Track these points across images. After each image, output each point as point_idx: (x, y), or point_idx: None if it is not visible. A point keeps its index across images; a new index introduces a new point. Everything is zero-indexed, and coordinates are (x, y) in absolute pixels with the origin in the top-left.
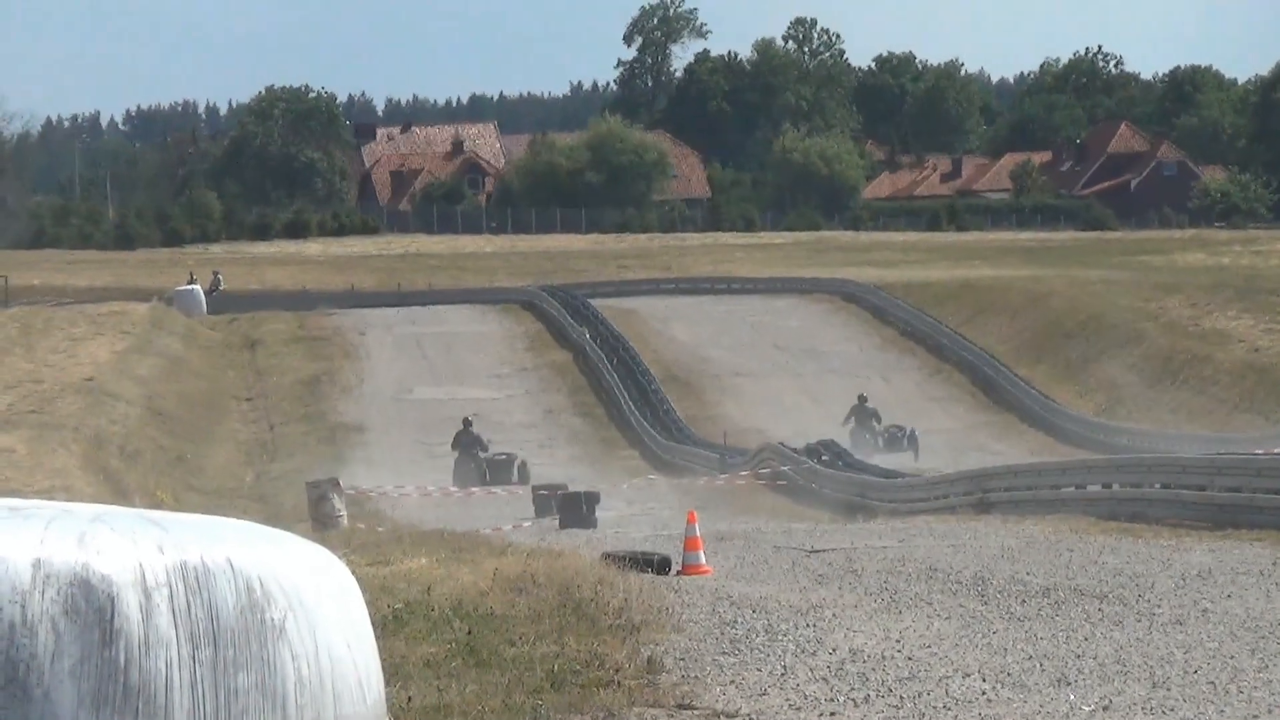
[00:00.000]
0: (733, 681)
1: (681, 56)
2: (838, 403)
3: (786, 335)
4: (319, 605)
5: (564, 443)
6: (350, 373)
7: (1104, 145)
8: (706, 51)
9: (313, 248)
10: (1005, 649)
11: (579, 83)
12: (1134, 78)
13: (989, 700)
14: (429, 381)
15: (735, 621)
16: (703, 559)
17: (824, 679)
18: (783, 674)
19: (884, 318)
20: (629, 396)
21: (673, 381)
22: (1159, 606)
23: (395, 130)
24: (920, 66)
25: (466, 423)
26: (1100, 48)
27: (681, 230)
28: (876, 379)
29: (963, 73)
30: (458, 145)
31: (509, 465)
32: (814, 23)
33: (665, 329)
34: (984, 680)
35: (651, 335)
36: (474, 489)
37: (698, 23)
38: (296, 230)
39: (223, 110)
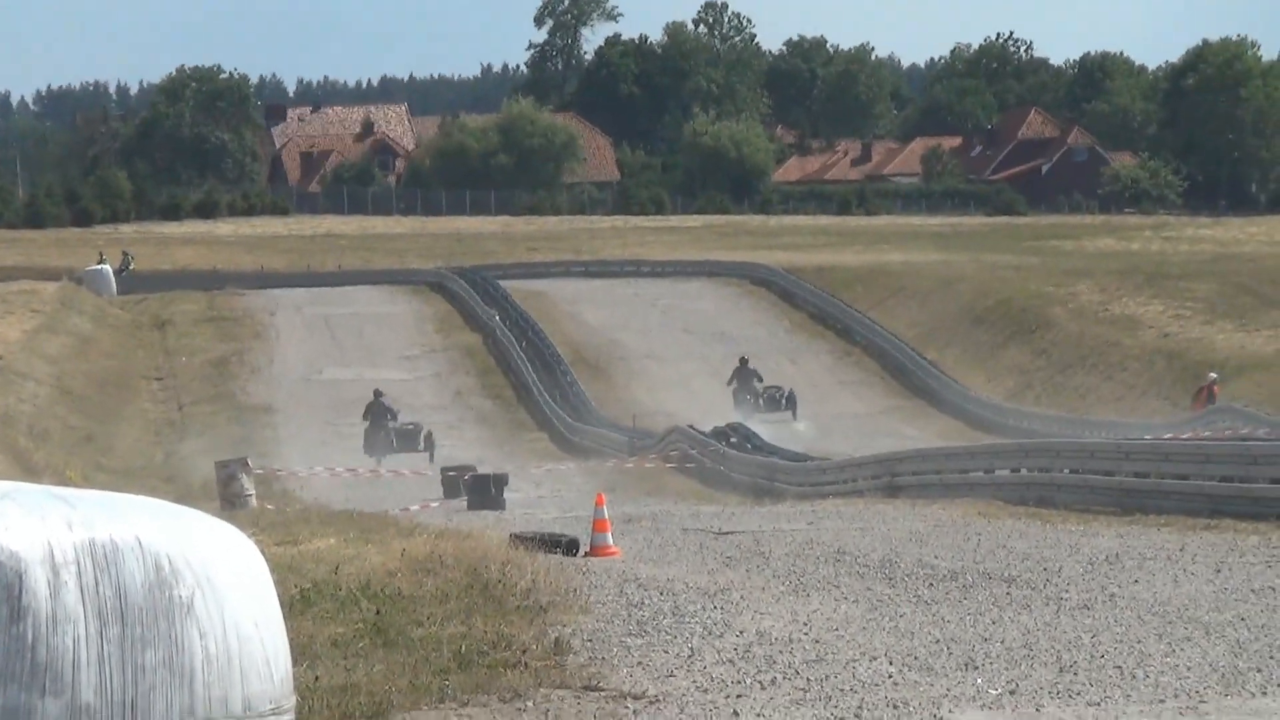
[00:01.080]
0: (640, 663)
1: (592, 39)
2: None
3: (696, 319)
4: (227, 584)
5: (473, 424)
6: (260, 353)
7: (1014, 131)
8: (617, 35)
9: (223, 228)
10: (912, 632)
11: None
12: (1044, 63)
13: (895, 684)
14: (338, 362)
15: (643, 603)
16: (610, 541)
17: (731, 661)
18: (690, 656)
19: (794, 302)
20: (538, 379)
21: (582, 364)
22: (1067, 591)
23: (306, 111)
24: (831, 51)
25: (377, 394)
26: (1011, 33)
27: (591, 213)
28: (786, 362)
29: (873, 57)
30: (368, 126)
31: (416, 434)
32: (725, 6)
33: (575, 311)
34: (891, 664)
35: (561, 318)
36: (383, 461)
37: (609, 5)
38: (207, 210)
39: (133, 90)
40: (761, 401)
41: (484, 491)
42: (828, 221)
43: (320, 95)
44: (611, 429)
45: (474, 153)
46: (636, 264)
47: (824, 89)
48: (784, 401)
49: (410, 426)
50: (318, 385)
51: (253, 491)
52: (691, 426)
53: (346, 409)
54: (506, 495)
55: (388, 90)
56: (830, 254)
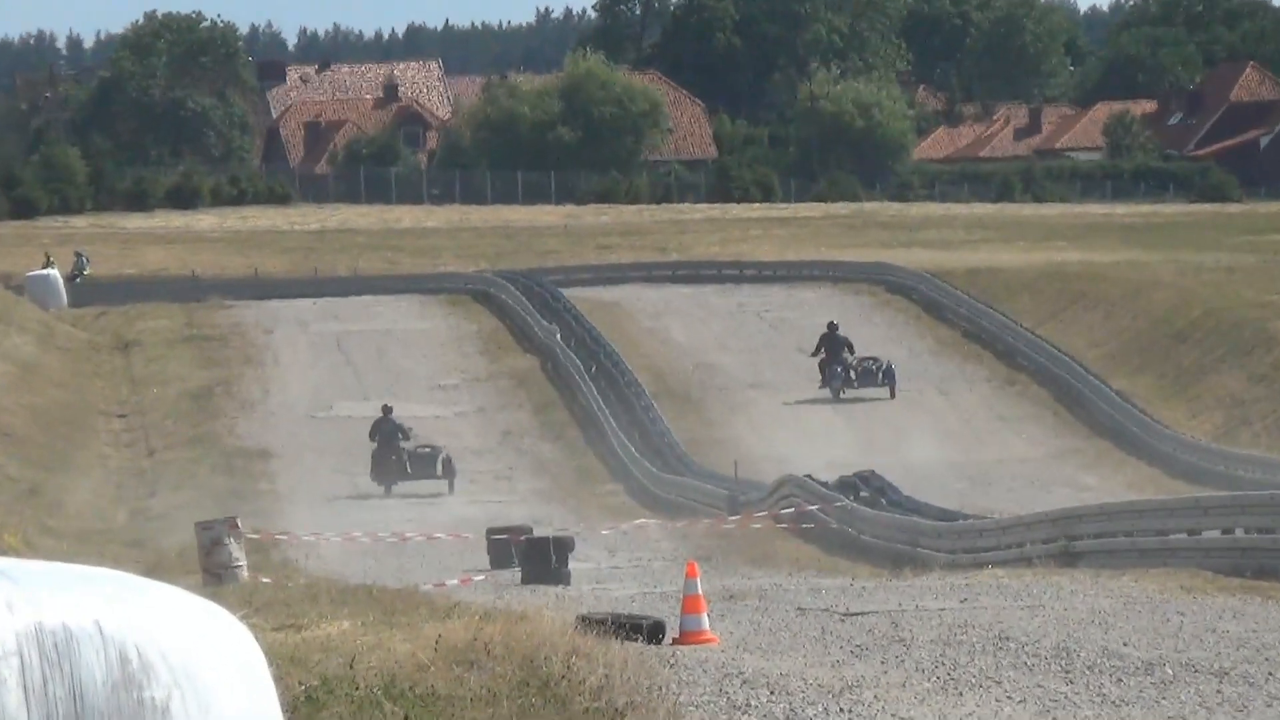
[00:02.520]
0: None
1: None
2: (880, 422)
3: (815, 336)
4: (213, 681)
5: (527, 473)
6: (253, 382)
7: (1225, 93)
8: None
9: (205, 221)
10: None
11: (547, 9)
12: (1264, 6)
13: None
14: (354, 394)
15: (748, 706)
16: (706, 624)
17: None
18: None
19: (941, 314)
20: (611, 414)
21: (668, 395)
22: None
23: (310, 70)
24: None
25: (386, 409)
26: None
27: (680, 201)
28: (931, 391)
29: None
30: (390, 90)
31: (432, 459)
32: None
33: (659, 327)
34: None
35: (641, 335)
36: (392, 490)
37: None
38: (184, 199)
39: (88, 43)
40: (854, 374)
41: (542, 560)
42: (984, 211)
43: (329, 50)
44: (707, 479)
45: (528, 123)
46: (738, 266)
47: (980, 39)
48: (880, 375)
49: (426, 450)
50: (327, 424)
51: (243, 561)
52: (810, 476)
53: (365, 454)
54: (571, 565)
55: (416, 43)
56: (988, 253)
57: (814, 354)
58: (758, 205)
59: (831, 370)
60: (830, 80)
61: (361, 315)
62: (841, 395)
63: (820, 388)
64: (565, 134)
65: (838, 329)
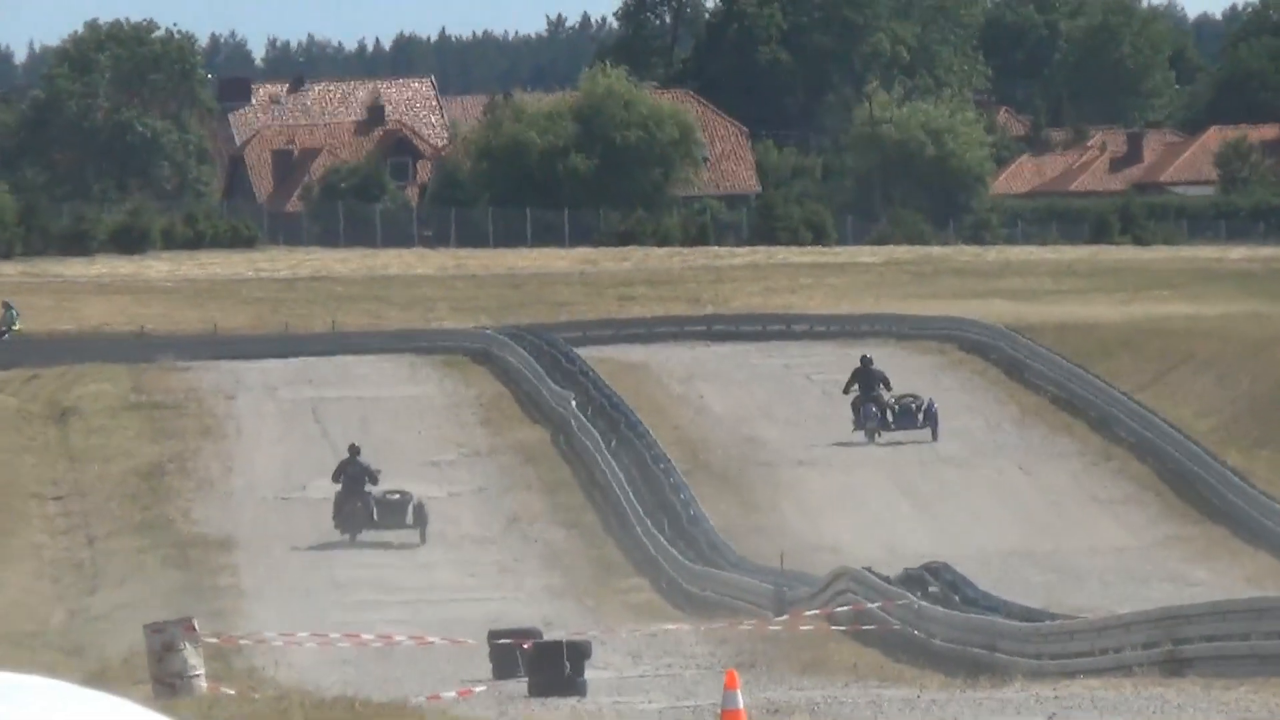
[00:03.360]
0: None
1: None
2: (953, 505)
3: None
4: None
5: (537, 565)
6: (212, 458)
7: None
8: None
9: (156, 268)
10: None
11: (560, 17)
12: None
13: None
14: (332, 471)
15: None
16: None
17: None
18: None
19: (1024, 378)
20: (635, 496)
21: (703, 472)
22: None
23: (282, 89)
24: None
25: (353, 450)
26: None
27: (717, 243)
28: (1012, 468)
29: (1144, 4)
30: (376, 112)
31: (402, 507)
32: None
33: (692, 393)
34: None
35: (671, 403)
36: (357, 538)
37: None
38: (131, 241)
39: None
40: (891, 415)
41: (553, 668)
42: (1075, 254)
43: (303, 65)
44: (748, 572)
45: (537, 151)
46: (785, 320)
47: (1070, 53)
48: (921, 416)
49: (395, 496)
50: (299, 507)
51: (201, 669)
52: (870, 569)
53: (341, 544)
54: (588, 674)
55: (405, 57)
56: (1079, 304)
57: (845, 390)
58: (808, 249)
59: (866, 410)
60: (894, 101)
61: (340, 379)
62: (877, 438)
63: (854, 430)
64: (581, 164)
65: (872, 363)
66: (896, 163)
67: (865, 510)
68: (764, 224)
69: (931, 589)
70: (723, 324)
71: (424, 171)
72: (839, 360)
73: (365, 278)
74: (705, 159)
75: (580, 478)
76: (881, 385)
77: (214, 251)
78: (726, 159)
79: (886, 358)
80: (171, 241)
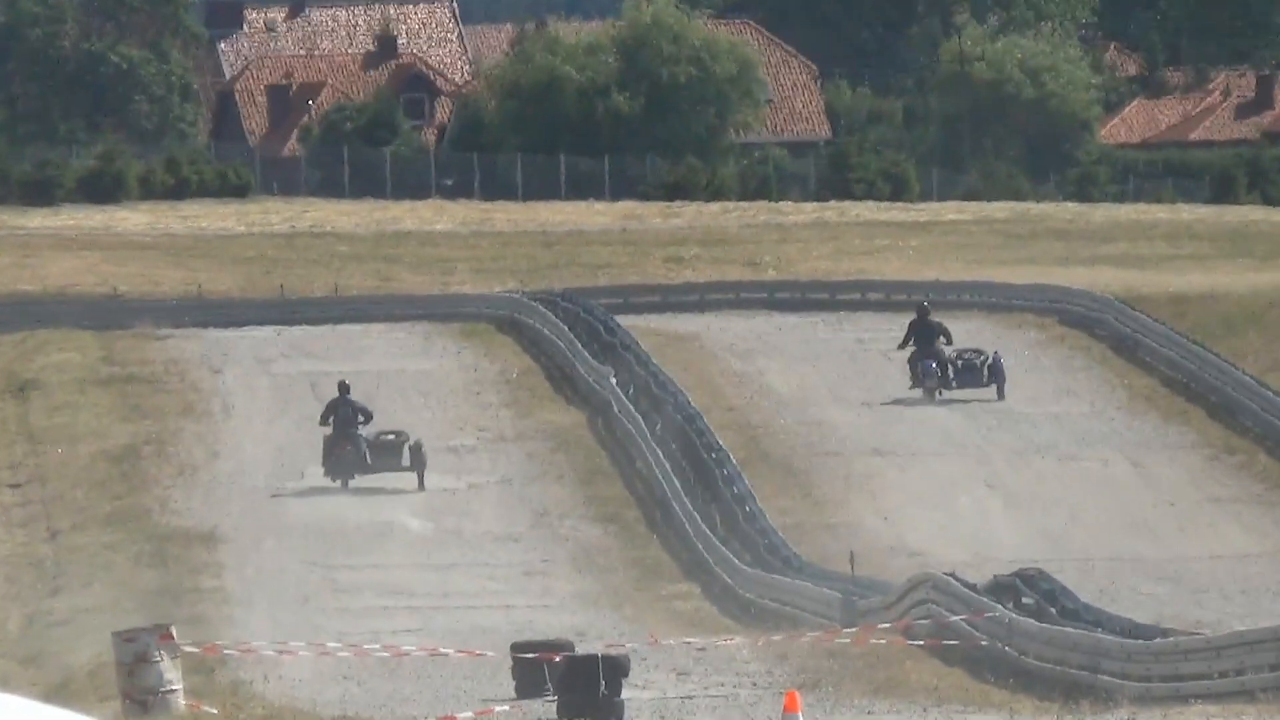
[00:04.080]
0: None
1: None
2: (1050, 503)
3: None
4: None
5: (568, 568)
6: (195, 440)
7: None
8: None
9: (132, 220)
10: None
11: None
12: None
13: None
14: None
15: None
16: None
17: None
18: None
19: (1135, 356)
20: (683, 489)
21: (762, 462)
22: None
23: (278, 14)
24: None
25: (343, 387)
26: None
27: (780, 198)
28: (1120, 461)
29: None
30: (387, 43)
31: (397, 448)
32: None
33: (750, 371)
34: None
35: (726, 381)
36: (349, 484)
37: None
38: (103, 189)
39: None
40: (952, 371)
41: (587, 686)
42: (1194, 215)
43: None
44: (813, 578)
45: (573, 89)
46: (860, 287)
47: None
48: (985, 371)
49: (390, 436)
50: (295, 498)
51: (179, 684)
52: (954, 576)
53: (344, 541)
54: (626, 693)
55: None
56: (1200, 272)
57: (901, 345)
58: (885, 205)
59: (925, 365)
60: (986, 35)
61: (344, 351)
62: (938, 396)
63: (910, 388)
64: (624, 104)
65: (930, 312)
66: (989, 106)
67: (949, 508)
68: (834, 176)
69: (1025, 599)
70: (786, 291)
71: (442, 111)
72: None
73: (373, 234)
74: (767, 100)
75: (620, 467)
76: (942, 338)
77: (199, 202)
78: (792, 101)
79: (975, 333)
80: (150, 190)
